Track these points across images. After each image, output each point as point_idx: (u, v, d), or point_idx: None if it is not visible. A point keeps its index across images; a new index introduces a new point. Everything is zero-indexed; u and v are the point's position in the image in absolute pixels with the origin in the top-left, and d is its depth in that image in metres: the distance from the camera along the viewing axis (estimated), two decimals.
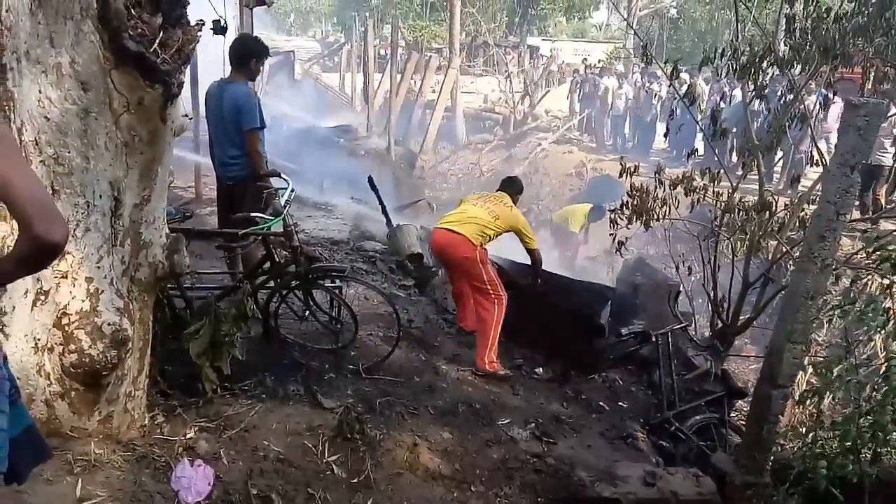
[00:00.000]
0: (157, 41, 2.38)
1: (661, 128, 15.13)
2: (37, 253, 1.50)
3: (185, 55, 2.51)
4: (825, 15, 4.56)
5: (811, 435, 3.50)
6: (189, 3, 2.53)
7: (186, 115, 3.98)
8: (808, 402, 3.45)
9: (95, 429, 2.84)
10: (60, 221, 1.51)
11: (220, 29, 4.19)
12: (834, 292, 6.53)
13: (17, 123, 2.36)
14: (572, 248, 10.11)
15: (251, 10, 5.26)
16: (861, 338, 5.54)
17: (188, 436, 3.13)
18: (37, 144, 2.40)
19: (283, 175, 4.29)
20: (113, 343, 2.68)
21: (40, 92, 2.37)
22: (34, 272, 1.74)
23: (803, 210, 5.11)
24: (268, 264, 4.06)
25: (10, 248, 1.66)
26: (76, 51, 2.35)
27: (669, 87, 6.86)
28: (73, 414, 2.77)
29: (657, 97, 14.75)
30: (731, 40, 5.10)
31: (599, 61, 21.90)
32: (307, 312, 4.31)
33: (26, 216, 1.45)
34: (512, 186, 5.43)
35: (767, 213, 4.85)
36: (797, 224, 5.12)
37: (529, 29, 31.43)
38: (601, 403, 4.86)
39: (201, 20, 2.49)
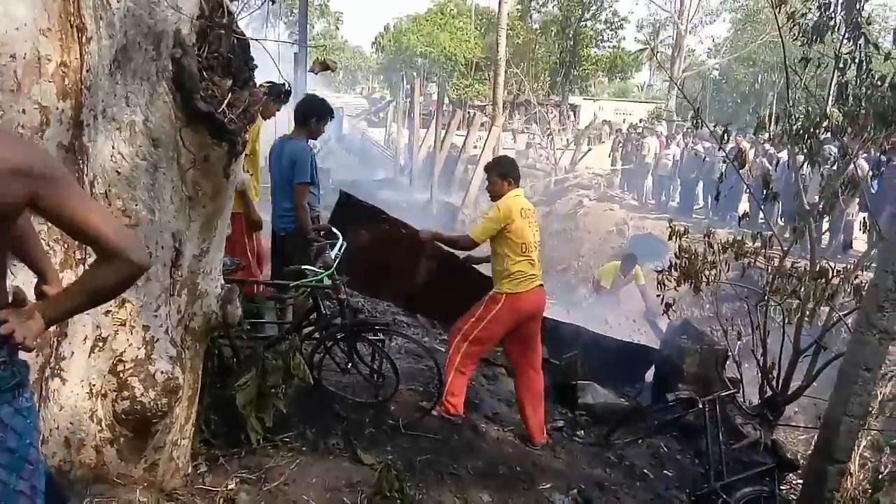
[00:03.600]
0: (226, 102, 2.48)
1: (700, 188, 15.12)
2: (132, 279, 1.64)
3: (250, 115, 2.61)
4: (879, 83, 4.53)
5: None
6: (257, 67, 2.66)
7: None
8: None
9: (141, 476, 2.85)
10: (143, 247, 1.60)
11: (284, 93, 4.41)
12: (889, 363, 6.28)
13: (90, 176, 2.46)
14: (603, 305, 9.94)
15: (314, 73, 5.47)
16: None
17: (229, 487, 3.13)
18: (106, 196, 2.50)
19: (334, 229, 4.38)
20: (164, 391, 2.72)
21: (113, 147, 2.47)
22: (111, 300, 1.83)
23: (857, 277, 4.97)
24: (314, 316, 4.12)
25: (84, 280, 1.70)
26: (150, 110, 2.46)
27: (720, 149, 6.83)
28: (121, 461, 2.79)
29: (704, 159, 14.70)
30: (786, 106, 5.07)
31: (641, 120, 22.06)
32: (350, 364, 4.32)
33: (120, 248, 1.57)
34: (516, 172, 4.59)
35: (823, 279, 4.73)
36: (850, 291, 4.97)
37: (571, 88, 31.86)
38: (645, 471, 4.71)
39: (269, 82, 2.59)
